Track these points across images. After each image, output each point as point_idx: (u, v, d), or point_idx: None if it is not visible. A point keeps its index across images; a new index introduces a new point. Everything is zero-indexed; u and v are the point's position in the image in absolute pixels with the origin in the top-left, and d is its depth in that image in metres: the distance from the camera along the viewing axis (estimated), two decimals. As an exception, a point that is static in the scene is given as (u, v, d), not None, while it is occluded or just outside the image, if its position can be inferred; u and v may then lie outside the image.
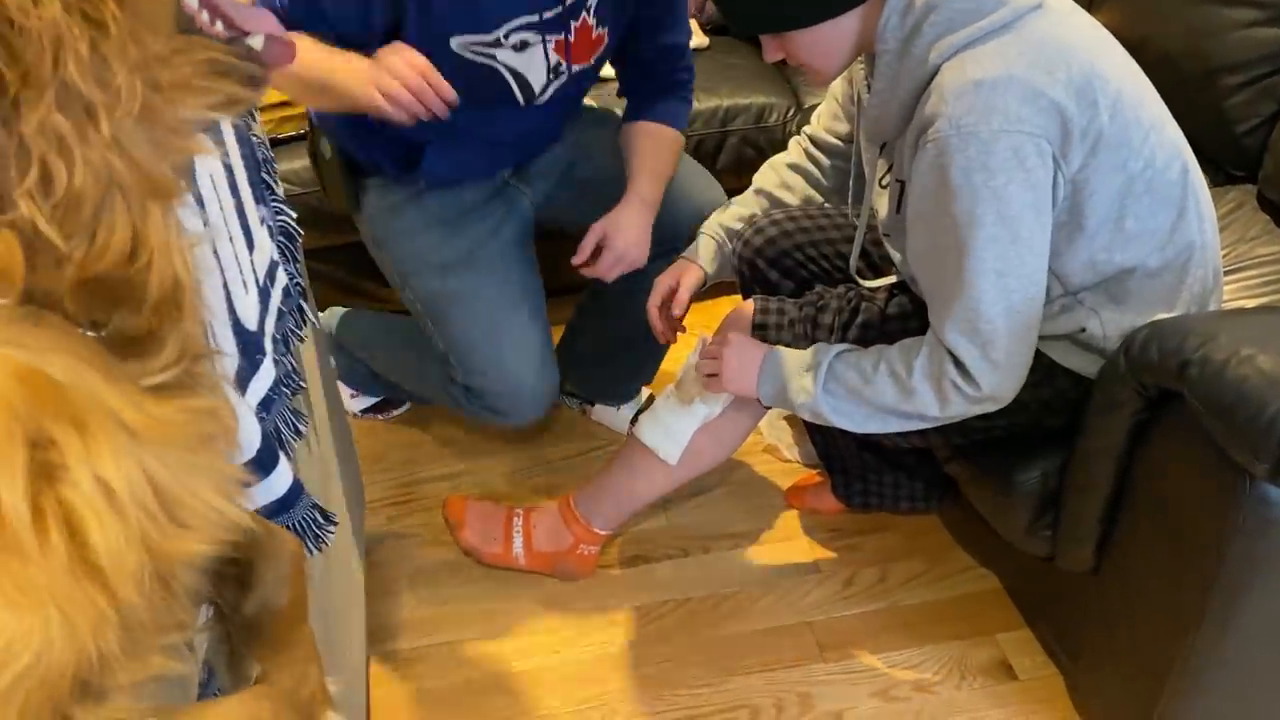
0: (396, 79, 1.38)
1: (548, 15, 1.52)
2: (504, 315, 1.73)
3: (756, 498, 1.95)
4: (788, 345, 1.50)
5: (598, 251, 1.68)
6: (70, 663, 0.48)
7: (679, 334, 1.70)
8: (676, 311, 1.66)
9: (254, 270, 1.09)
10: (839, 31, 1.26)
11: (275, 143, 2.04)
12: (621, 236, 1.66)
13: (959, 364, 1.27)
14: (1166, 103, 1.32)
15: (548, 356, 1.76)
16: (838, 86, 1.62)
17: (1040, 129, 1.16)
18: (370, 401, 2.16)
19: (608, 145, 1.78)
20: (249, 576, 0.65)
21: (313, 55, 1.42)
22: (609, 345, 1.96)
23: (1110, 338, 1.31)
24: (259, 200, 1.16)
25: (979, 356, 1.25)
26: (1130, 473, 1.30)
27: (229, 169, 1.06)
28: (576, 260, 1.72)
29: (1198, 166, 1.33)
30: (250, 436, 0.93)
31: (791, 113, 2.27)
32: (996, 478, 1.45)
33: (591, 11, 1.56)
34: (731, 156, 2.26)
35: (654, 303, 1.66)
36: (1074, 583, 1.48)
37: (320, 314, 1.85)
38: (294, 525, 1.01)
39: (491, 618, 1.75)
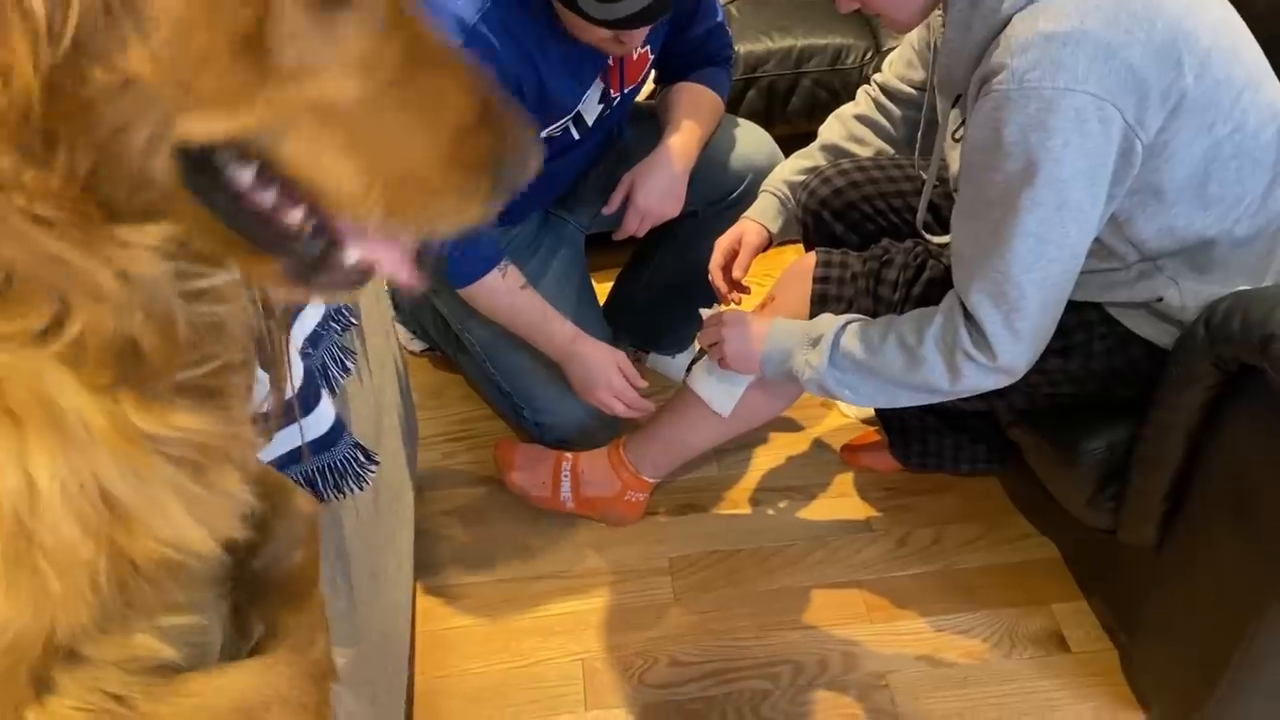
0: (614, 399, 1.67)
1: (608, 65, 1.56)
2: None
3: (810, 452, 1.92)
4: (849, 300, 1.46)
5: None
6: (36, 633, 0.48)
7: (742, 295, 1.67)
8: (738, 273, 1.62)
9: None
10: None
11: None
12: (644, 191, 1.64)
13: (977, 332, 1.22)
14: (1269, 58, 1.23)
15: None
16: (914, 33, 1.54)
17: (1108, 92, 1.08)
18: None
19: (647, 137, 1.73)
20: (261, 530, 0.64)
21: (525, 317, 1.64)
22: (662, 293, 1.94)
23: (1189, 308, 1.24)
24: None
25: (1001, 323, 1.20)
26: (1202, 449, 1.24)
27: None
28: (606, 212, 1.70)
29: (1299, 128, 1.25)
30: (294, 374, 0.93)
31: (870, 55, 2.19)
32: (1061, 447, 1.40)
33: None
34: (804, 100, 2.20)
35: (716, 263, 1.63)
36: (1135, 557, 1.43)
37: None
38: (335, 464, 1.01)
39: (538, 558, 1.76)
